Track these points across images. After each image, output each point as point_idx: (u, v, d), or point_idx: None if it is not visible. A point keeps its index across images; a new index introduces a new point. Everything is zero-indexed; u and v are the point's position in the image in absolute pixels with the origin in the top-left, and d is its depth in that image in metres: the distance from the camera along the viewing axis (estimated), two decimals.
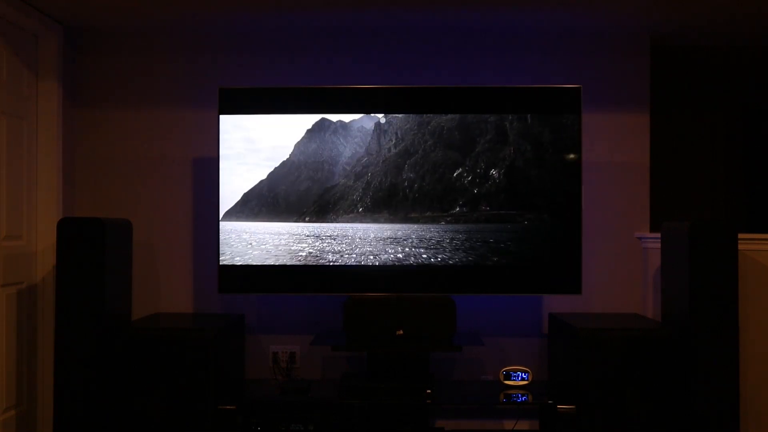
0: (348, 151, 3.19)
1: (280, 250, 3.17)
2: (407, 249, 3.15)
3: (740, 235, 2.93)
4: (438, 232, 3.16)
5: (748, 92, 4.66)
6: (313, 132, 3.19)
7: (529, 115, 3.15)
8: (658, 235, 3.27)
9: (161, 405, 2.89)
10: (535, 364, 3.46)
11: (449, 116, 3.16)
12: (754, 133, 4.69)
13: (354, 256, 3.15)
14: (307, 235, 3.17)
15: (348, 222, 3.17)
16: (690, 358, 2.87)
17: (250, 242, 3.17)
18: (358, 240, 3.16)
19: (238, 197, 3.19)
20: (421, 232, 3.16)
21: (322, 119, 3.18)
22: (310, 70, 3.50)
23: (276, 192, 3.20)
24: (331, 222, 3.17)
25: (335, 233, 3.17)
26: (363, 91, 3.19)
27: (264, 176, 3.19)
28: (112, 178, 3.54)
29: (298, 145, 3.19)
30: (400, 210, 3.17)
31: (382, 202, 3.17)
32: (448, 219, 3.16)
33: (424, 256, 3.15)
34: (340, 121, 3.19)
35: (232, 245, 3.17)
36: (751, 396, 3.16)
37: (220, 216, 3.18)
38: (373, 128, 3.19)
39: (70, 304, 2.90)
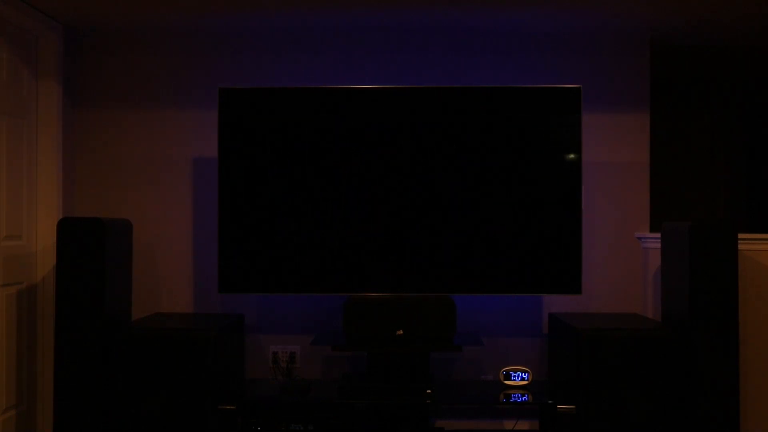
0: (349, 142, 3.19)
1: (281, 249, 3.17)
2: (407, 249, 3.16)
3: (740, 235, 2.93)
4: (438, 231, 3.16)
5: (748, 92, 4.67)
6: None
7: (529, 116, 3.15)
8: (658, 235, 3.27)
9: (161, 405, 2.89)
10: (535, 364, 3.46)
11: (448, 116, 3.16)
12: (754, 133, 4.70)
13: (354, 254, 3.15)
14: (308, 234, 3.17)
15: (346, 213, 3.17)
16: (690, 358, 2.87)
17: (251, 241, 3.17)
18: (359, 237, 3.16)
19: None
20: (421, 232, 3.16)
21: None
22: (310, 70, 3.50)
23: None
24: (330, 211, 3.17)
25: (335, 229, 3.17)
26: (364, 92, 3.18)
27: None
28: (112, 178, 3.54)
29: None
30: (398, 212, 3.17)
31: (381, 197, 3.17)
32: (448, 219, 3.15)
33: (424, 255, 3.15)
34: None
35: (232, 245, 3.17)
36: (752, 396, 3.16)
37: (220, 216, 3.18)
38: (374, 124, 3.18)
39: (70, 304, 2.90)
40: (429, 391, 3.01)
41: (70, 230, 2.91)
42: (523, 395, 3.08)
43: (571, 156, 3.14)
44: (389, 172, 3.16)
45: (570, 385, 3.00)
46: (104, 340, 2.92)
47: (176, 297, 3.52)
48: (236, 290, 3.19)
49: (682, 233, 2.93)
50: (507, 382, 3.18)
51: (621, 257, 3.49)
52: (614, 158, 3.50)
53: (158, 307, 3.51)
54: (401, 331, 3.11)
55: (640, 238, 3.48)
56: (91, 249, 2.90)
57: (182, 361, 2.89)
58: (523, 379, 3.16)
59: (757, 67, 4.27)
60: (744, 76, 4.52)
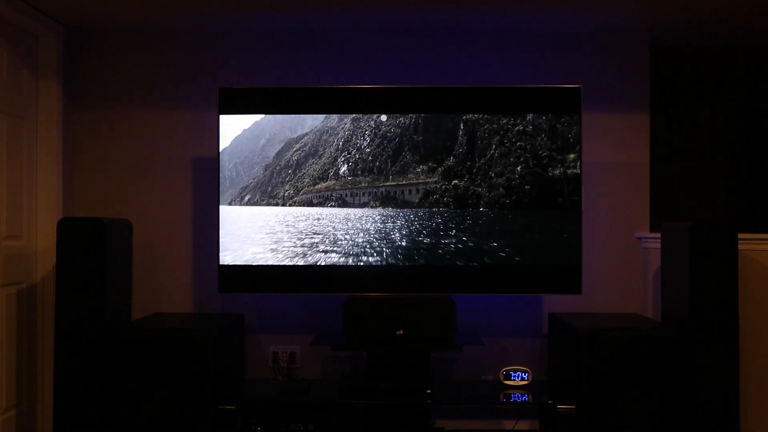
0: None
1: (281, 250, 3.17)
2: (407, 250, 3.16)
3: (740, 235, 2.93)
4: (438, 230, 3.16)
5: (748, 92, 4.67)
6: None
7: (529, 116, 3.15)
8: (658, 235, 3.27)
9: (161, 405, 2.89)
10: (535, 364, 3.46)
11: (449, 116, 3.16)
12: (754, 133, 4.70)
13: (354, 255, 3.15)
14: (308, 235, 3.17)
15: (353, 208, 3.17)
16: (690, 358, 2.87)
17: (250, 241, 3.17)
18: (359, 239, 3.16)
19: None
20: (421, 232, 3.16)
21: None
22: (310, 70, 3.50)
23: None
24: (329, 207, 3.17)
25: (336, 228, 3.17)
26: (364, 92, 3.19)
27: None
28: (112, 178, 3.54)
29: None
30: (398, 210, 3.17)
31: (381, 199, 3.17)
32: (448, 218, 3.15)
33: (424, 255, 3.15)
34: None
35: (232, 245, 3.17)
36: (752, 396, 3.15)
37: (220, 216, 3.18)
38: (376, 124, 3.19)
39: (70, 304, 2.90)
40: (429, 391, 3.01)
41: (70, 230, 2.91)
42: (523, 395, 3.08)
43: (571, 156, 3.14)
44: (388, 171, 3.16)
45: (570, 385, 3.00)
46: (104, 340, 2.92)
47: (176, 297, 3.52)
48: (236, 290, 3.20)
49: (682, 233, 2.93)
50: (507, 382, 3.18)
51: (621, 257, 3.49)
52: (614, 158, 3.50)
53: (158, 307, 3.51)
54: (401, 331, 3.11)
55: (640, 238, 3.48)
56: (91, 249, 2.90)
57: (182, 361, 2.89)
58: (523, 379, 3.16)
59: (758, 67, 4.27)
60: (744, 76, 4.52)
